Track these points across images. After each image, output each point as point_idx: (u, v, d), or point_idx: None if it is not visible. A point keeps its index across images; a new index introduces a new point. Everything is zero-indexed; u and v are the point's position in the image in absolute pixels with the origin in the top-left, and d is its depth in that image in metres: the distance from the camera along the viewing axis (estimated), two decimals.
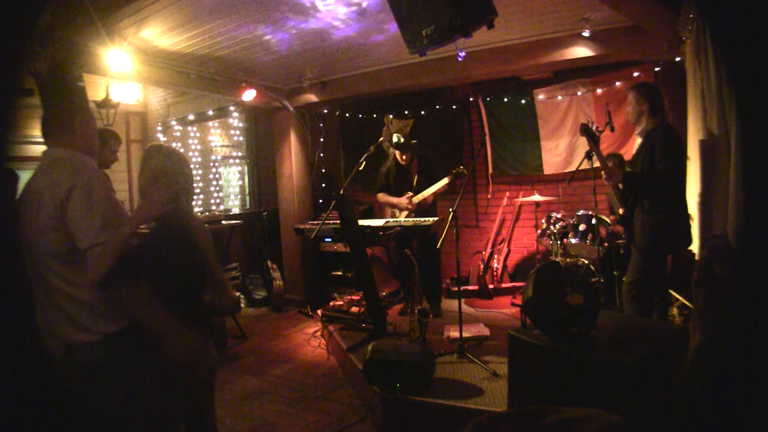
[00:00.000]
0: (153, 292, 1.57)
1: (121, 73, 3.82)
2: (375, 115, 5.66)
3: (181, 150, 7.03)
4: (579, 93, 4.74)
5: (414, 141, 4.21)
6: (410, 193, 4.21)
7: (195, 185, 7.14)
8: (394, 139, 4.16)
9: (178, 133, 7.16)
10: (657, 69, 4.35)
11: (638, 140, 3.08)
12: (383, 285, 4.94)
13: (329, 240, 5.10)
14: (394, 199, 4.31)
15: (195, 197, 6.67)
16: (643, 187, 2.89)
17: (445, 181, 4.06)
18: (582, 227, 4.01)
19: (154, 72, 4.29)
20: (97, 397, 1.58)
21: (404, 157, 4.25)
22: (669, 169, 2.77)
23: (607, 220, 3.98)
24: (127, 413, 1.61)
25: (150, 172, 1.72)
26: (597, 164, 3.31)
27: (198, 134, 7.07)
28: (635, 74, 4.44)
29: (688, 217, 2.96)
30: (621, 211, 3.09)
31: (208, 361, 1.83)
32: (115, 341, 1.59)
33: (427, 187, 4.13)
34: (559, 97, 4.85)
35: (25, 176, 1.67)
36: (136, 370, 1.62)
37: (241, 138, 6.71)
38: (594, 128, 3.22)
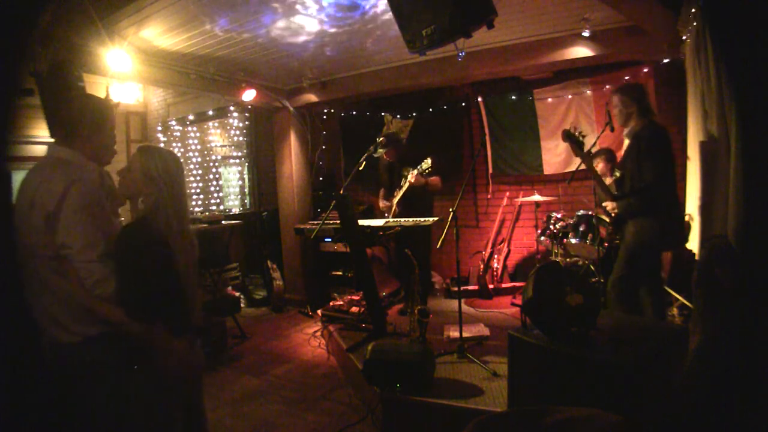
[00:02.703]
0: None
1: (121, 73, 3.82)
2: (375, 115, 5.66)
3: (180, 150, 7.05)
4: (579, 93, 4.73)
5: (383, 138, 4.19)
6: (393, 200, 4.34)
7: (195, 185, 7.13)
8: (379, 139, 4.17)
9: (177, 133, 7.16)
10: (657, 69, 4.35)
11: (626, 141, 3.06)
12: (383, 285, 4.94)
13: (329, 240, 5.10)
14: (381, 203, 4.57)
15: (195, 197, 6.69)
16: (639, 208, 2.90)
17: (405, 186, 4.11)
18: (582, 227, 4.01)
19: (154, 72, 4.29)
20: (85, 397, 1.57)
21: (389, 153, 4.34)
22: (657, 174, 2.77)
23: (607, 220, 3.99)
24: (119, 414, 1.60)
25: (138, 175, 1.69)
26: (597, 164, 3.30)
27: (198, 134, 7.07)
28: (635, 74, 4.43)
29: (679, 216, 2.94)
30: (607, 206, 3.08)
31: (193, 365, 1.81)
32: (99, 343, 1.58)
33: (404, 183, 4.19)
34: (559, 97, 4.84)
35: (22, 176, 1.66)
36: (126, 372, 1.61)
37: (241, 138, 6.72)
38: (577, 133, 3.15)
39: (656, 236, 2.85)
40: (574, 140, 3.11)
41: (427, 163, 4.02)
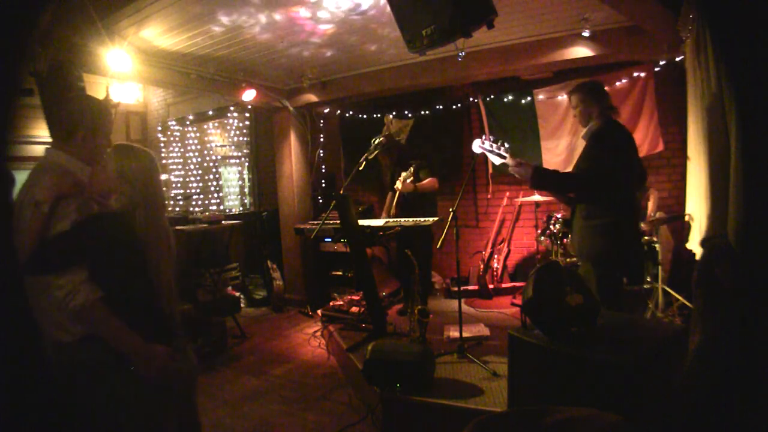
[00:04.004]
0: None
1: (121, 73, 3.82)
2: (375, 115, 5.66)
3: (180, 150, 7.05)
4: None
5: (382, 138, 4.16)
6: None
7: (195, 185, 7.11)
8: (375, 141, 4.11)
9: (177, 133, 7.16)
10: (657, 69, 4.36)
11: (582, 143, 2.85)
12: (383, 285, 4.94)
13: (329, 240, 5.10)
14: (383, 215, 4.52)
15: (195, 197, 6.69)
16: (556, 184, 2.71)
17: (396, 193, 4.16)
18: None
19: (154, 72, 4.29)
20: (84, 396, 1.57)
21: (382, 158, 4.31)
22: (593, 167, 2.58)
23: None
24: (115, 413, 1.59)
25: (110, 173, 1.67)
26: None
27: (197, 134, 7.08)
28: (635, 74, 4.44)
29: (630, 220, 2.66)
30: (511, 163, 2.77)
31: (185, 367, 1.79)
32: (98, 342, 1.56)
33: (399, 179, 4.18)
34: (559, 97, 4.84)
35: (22, 177, 1.66)
36: (124, 371, 1.60)
37: (241, 138, 6.72)
38: (489, 144, 2.83)
39: (603, 242, 2.58)
40: (489, 151, 2.85)
41: (409, 171, 4.03)
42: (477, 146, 2.94)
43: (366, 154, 3.75)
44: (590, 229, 2.65)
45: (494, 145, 2.86)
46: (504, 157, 2.81)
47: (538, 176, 2.65)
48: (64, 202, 1.54)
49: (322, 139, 5.96)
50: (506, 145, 2.85)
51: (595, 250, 2.64)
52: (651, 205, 4.10)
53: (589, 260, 2.69)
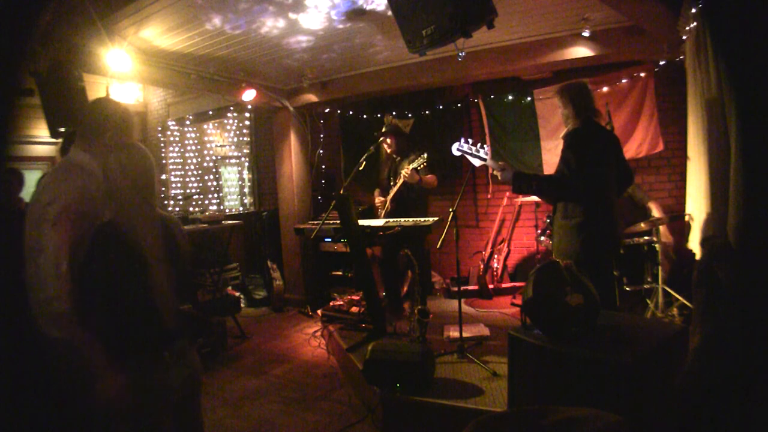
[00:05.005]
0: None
1: (121, 73, 3.82)
2: (375, 115, 5.67)
3: (180, 150, 7.05)
4: None
5: (391, 124, 4.15)
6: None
7: (195, 185, 7.09)
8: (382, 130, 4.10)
9: (177, 133, 7.16)
10: (657, 69, 4.36)
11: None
12: (383, 285, 4.93)
13: (329, 240, 5.10)
14: (377, 200, 4.45)
15: (195, 197, 6.70)
16: (535, 188, 2.74)
17: (399, 182, 4.09)
18: None
19: (154, 72, 4.29)
20: (82, 397, 1.57)
21: (389, 142, 4.26)
22: (565, 168, 2.61)
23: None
24: (113, 413, 1.59)
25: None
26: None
27: (197, 134, 7.08)
28: (635, 74, 4.44)
29: (606, 219, 2.67)
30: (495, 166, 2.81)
31: (188, 369, 1.77)
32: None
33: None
34: None
35: (28, 176, 1.66)
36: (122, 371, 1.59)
37: (241, 138, 6.72)
38: (467, 147, 2.82)
39: (579, 242, 2.59)
40: (468, 154, 2.88)
41: (422, 158, 4.01)
42: (455, 149, 2.95)
43: (367, 154, 3.74)
44: (567, 228, 2.67)
45: (473, 148, 2.88)
46: (484, 159, 2.84)
47: (517, 180, 2.69)
48: (79, 244, 1.50)
49: (322, 139, 5.96)
50: (485, 148, 2.87)
51: (570, 249, 2.65)
52: (656, 215, 4.11)
53: (569, 259, 2.70)
